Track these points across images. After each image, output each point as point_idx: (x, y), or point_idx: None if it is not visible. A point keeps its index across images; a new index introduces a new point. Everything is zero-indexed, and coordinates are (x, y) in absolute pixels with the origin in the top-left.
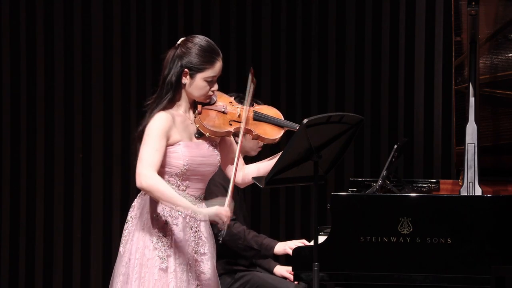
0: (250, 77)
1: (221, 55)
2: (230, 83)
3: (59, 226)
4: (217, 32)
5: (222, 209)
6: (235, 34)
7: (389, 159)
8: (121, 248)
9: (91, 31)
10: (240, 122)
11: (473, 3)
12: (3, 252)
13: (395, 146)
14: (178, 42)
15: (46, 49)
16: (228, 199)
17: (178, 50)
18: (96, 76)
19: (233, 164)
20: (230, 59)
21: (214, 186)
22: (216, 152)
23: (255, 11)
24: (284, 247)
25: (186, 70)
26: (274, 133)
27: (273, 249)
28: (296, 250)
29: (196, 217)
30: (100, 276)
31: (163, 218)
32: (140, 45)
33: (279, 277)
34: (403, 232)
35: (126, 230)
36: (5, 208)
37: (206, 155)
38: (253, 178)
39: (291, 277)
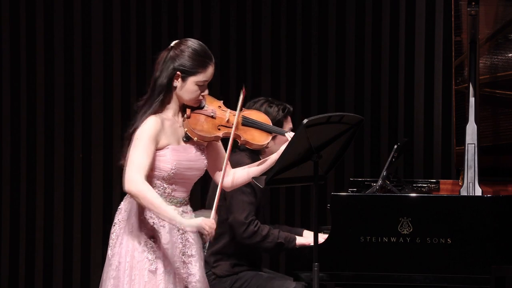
0: (241, 95)
1: (213, 60)
2: (230, 83)
3: (59, 226)
4: (217, 32)
5: (207, 220)
6: (235, 34)
7: (389, 159)
8: (109, 252)
9: (91, 31)
10: (228, 127)
11: (473, 3)
12: (3, 252)
13: (395, 146)
14: (172, 44)
15: (46, 49)
16: (213, 210)
17: (171, 52)
18: (96, 76)
19: (220, 170)
20: (230, 59)
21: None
22: (203, 157)
23: (255, 11)
24: (305, 240)
25: (178, 73)
26: (262, 139)
27: (295, 240)
28: (296, 250)
29: (181, 228)
30: (100, 277)
31: (150, 220)
32: (140, 45)
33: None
34: (403, 232)
35: (114, 234)
36: (5, 208)
37: (193, 159)
38: (253, 178)
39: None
